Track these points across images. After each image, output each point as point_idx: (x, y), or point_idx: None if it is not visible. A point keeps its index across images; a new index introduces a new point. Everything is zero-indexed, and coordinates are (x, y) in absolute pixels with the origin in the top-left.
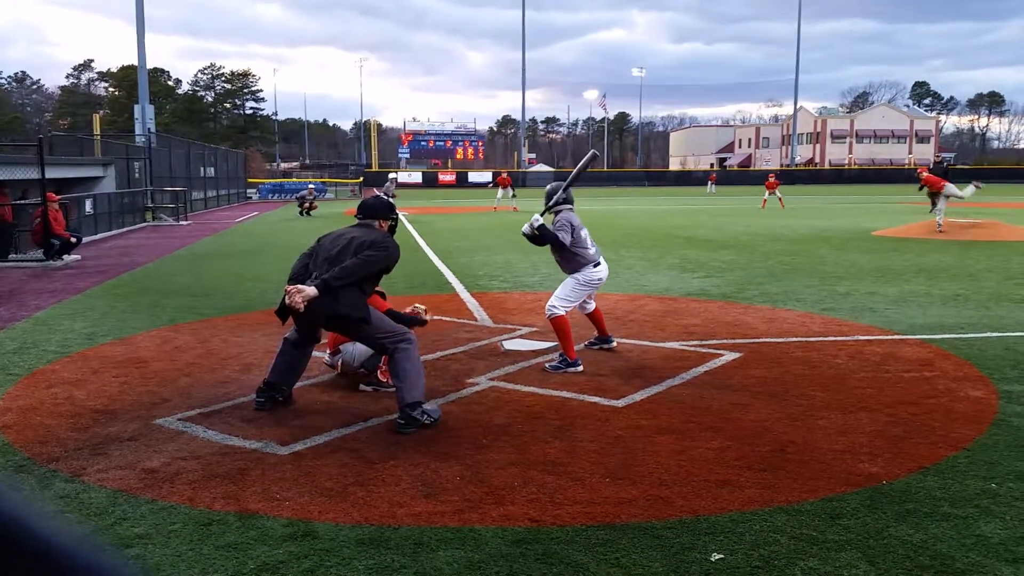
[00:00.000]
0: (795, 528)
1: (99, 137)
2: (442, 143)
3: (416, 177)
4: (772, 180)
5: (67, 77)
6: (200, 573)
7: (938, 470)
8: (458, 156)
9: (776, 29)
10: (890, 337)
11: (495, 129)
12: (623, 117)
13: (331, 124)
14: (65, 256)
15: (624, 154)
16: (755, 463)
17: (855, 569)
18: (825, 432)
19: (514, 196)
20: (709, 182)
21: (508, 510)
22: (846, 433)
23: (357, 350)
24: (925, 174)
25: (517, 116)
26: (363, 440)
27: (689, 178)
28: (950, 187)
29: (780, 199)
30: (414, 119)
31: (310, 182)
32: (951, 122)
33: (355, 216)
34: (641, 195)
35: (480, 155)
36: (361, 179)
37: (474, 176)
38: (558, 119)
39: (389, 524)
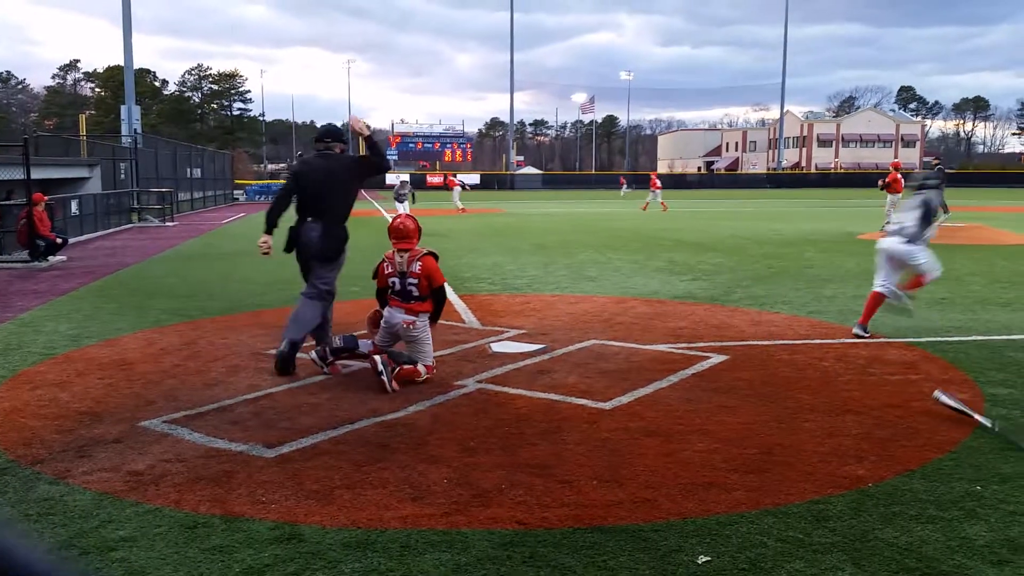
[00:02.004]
0: (782, 530)
1: (85, 138)
2: (430, 145)
3: (404, 179)
4: (654, 179)
5: (53, 77)
6: None
7: (924, 472)
8: (446, 158)
9: (763, 33)
10: (876, 340)
11: (483, 131)
12: (611, 120)
13: (318, 125)
14: (51, 257)
15: (612, 157)
16: (742, 465)
17: (841, 571)
18: (811, 434)
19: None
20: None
21: (495, 513)
22: (832, 435)
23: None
24: (897, 172)
25: (505, 118)
26: (350, 442)
27: (681, 181)
28: (896, 199)
29: (662, 202)
30: (402, 121)
31: None
32: (936, 126)
33: (317, 143)
34: (629, 198)
35: (468, 157)
36: None
37: (462, 178)
38: (546, 122)
39: (376, 527)
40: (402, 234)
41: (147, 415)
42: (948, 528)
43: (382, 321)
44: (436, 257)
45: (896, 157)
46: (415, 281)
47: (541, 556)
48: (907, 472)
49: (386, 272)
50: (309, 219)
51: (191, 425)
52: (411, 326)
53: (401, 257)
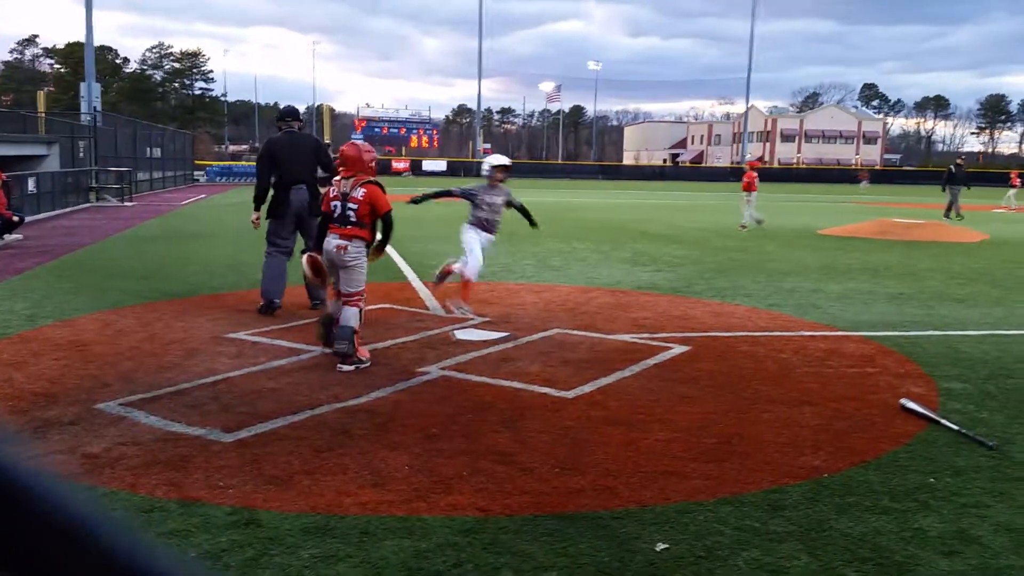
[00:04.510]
0: (739, 519)
1: (43, 115)
2: (396, 130)
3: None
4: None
5: (10, 52)
6: None
7: (879, 464)
8: (412, 144)
9: (732, 26)
10: (834, 333)
11: (450, 118)
12: (578, 110)
13: (282, 106)
14: (6, 236)
15: (579, 147)
16: (701, 455)
17: (796, 560)
18: (769, 425)
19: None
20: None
21: (456, 499)
22: (790, 426)
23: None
24: (752, 169)
25: (472, 105)
26: (309, 428)
27: (642, 172)
28: (755, 197)
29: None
30: (368, 105)
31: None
32: (898, 124)
33: (280, 122)
34: (595, 188)
35: (435, 143)
36: None
37: (428, 164)
38: (514, 110)
39: (335, 513)
40: (345, 161)
41: (103, 397)
42: (902, 519)
43: (323, 255)
44: (383, 188)
45: (858, 153)
46: (354, 207)
47: (502, 543)
48: (863, 463)
49: (331, 196)
50: (295, 185)
51: (148, 408)
52: (343, 251)
53: (346, 182)
